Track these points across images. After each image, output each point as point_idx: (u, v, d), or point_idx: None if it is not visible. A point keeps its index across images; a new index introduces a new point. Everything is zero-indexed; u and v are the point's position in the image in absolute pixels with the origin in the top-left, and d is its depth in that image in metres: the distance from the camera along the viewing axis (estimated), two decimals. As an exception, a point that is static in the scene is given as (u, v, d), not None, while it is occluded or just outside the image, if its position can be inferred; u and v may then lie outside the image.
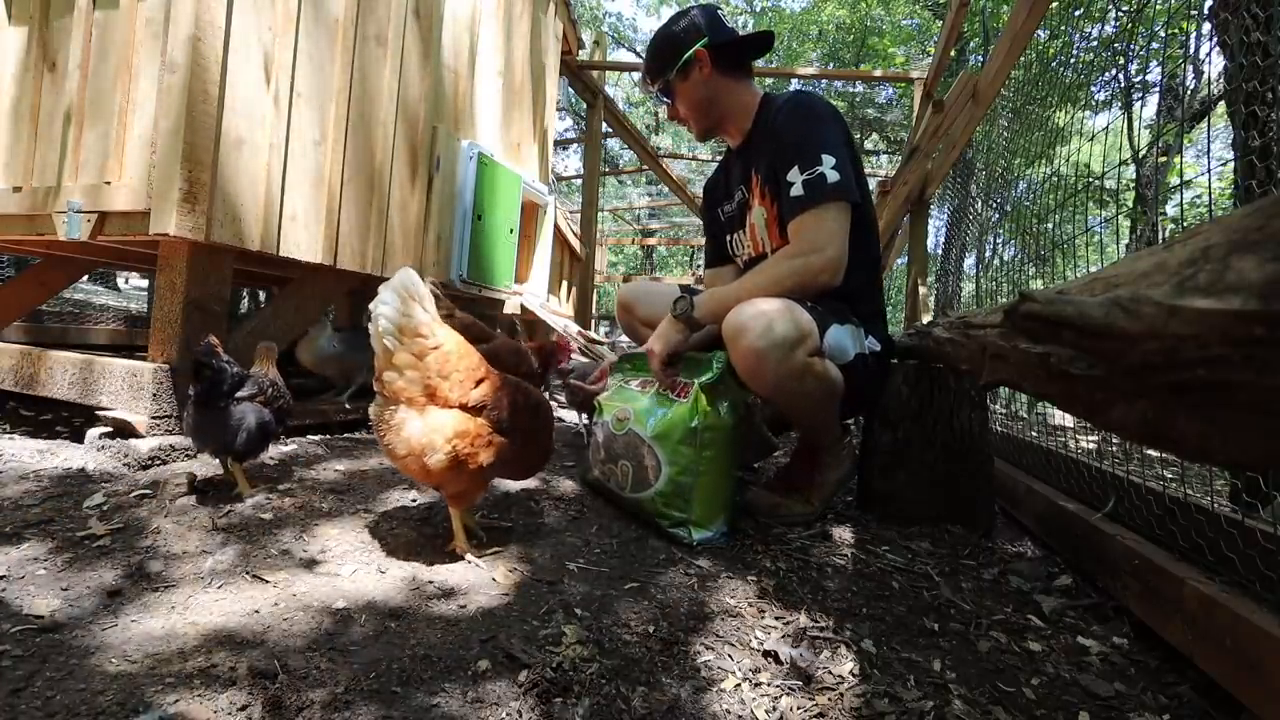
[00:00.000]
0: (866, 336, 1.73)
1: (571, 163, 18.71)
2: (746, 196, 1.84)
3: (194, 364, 1.34)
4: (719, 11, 1.82)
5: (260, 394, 1.41)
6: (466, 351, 1.21)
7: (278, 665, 0.85)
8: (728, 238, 1.97)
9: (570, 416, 2.80)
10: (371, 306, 1.12)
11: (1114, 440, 2.21)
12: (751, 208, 1.81)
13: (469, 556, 1.24)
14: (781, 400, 1.65)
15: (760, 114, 1.79)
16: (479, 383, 1.20)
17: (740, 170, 1.85)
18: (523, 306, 3.38)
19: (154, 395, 1.61)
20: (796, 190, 1.62)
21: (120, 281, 10.56)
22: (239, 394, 1.37)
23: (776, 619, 1.15)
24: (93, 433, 1.63)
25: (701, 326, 1.65)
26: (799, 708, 0.90)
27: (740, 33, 1.80)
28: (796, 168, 1.62)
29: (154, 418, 1.61)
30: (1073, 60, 2.34)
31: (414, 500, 1.51)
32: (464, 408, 1.17)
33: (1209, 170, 1.41)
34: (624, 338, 4.14)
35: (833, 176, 1.58)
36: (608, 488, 1.62)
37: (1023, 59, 2.56)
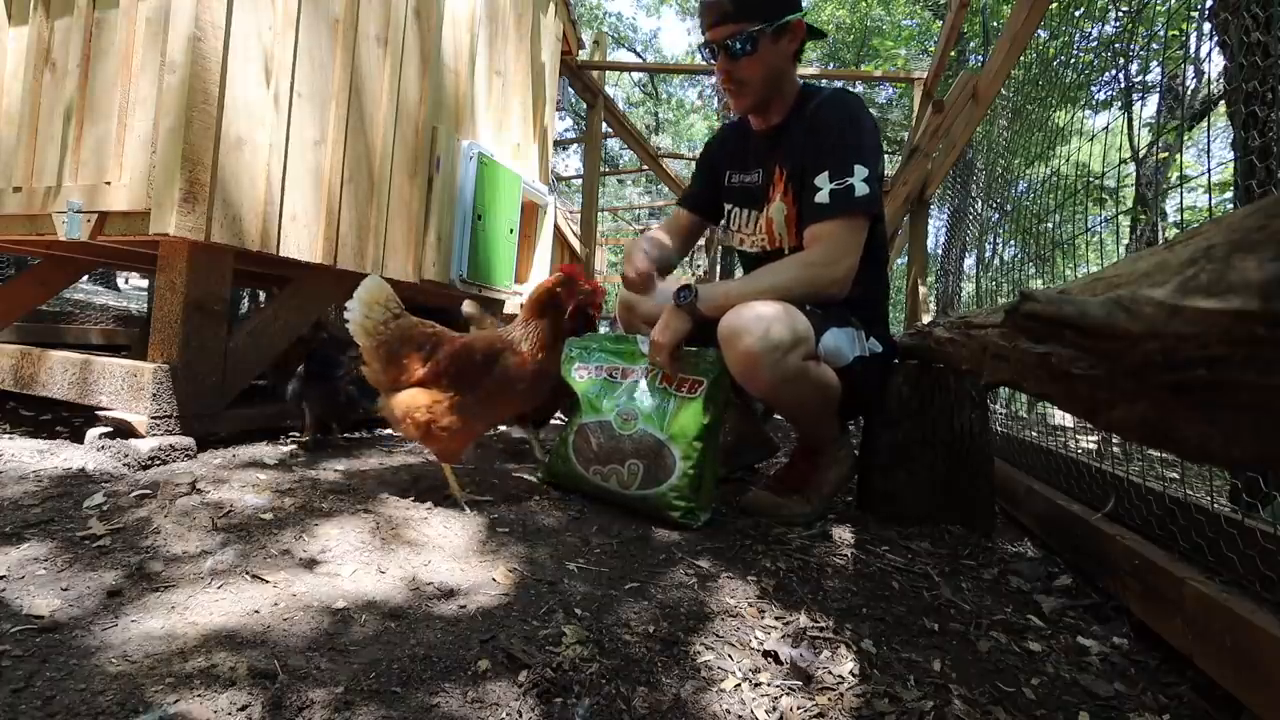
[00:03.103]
0: (868, 339, 1.72)
1: (571, 163, 18.73)
2: (763, 183, 1.79)
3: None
4: None
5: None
6: (407, 339, 1.45)
7: (278, 665, 0.85)
8: (728, 208, 1.91)
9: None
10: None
11: (1114, 440, 2.21)
12: (771, 201, 1.76)
13: (462, 500, 1.48)
14: (777, 402, 1.65)
15: (798, 105, 1.72)
16: (427, 360, 1.44)
17: (765, 154, 1.78)
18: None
19: (154, 395, 1.61)
20: (822, 197, 1.59)
21: (120, 281, 10.56)
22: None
23: (776, 619, 1.15)
24: (93, 433, 1.63)
25: (704, 319, 1.61)
26: (799, 708, 0.90)
27: None
28: (827, 173, 1.58)
29: (154, 418, 1.61)
30: (1073, 60, 2.34)
31: (414, 500, 1.51)
32: (421, 384, 1.43)
33: (1209, 170, 1.41)
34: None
35: (861, 189, 1.56)
36: (604, 488, 1.62)
37: (1023, 59, 2.56)
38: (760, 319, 1.47)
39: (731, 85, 1.67)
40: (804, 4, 1.73)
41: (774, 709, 0.89)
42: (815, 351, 1.56)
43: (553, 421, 2.55)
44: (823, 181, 1.59)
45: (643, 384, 1.66)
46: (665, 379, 1.64)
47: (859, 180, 1.56)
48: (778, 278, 1.60)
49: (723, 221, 1.96)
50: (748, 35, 1.58)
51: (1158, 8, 2.18)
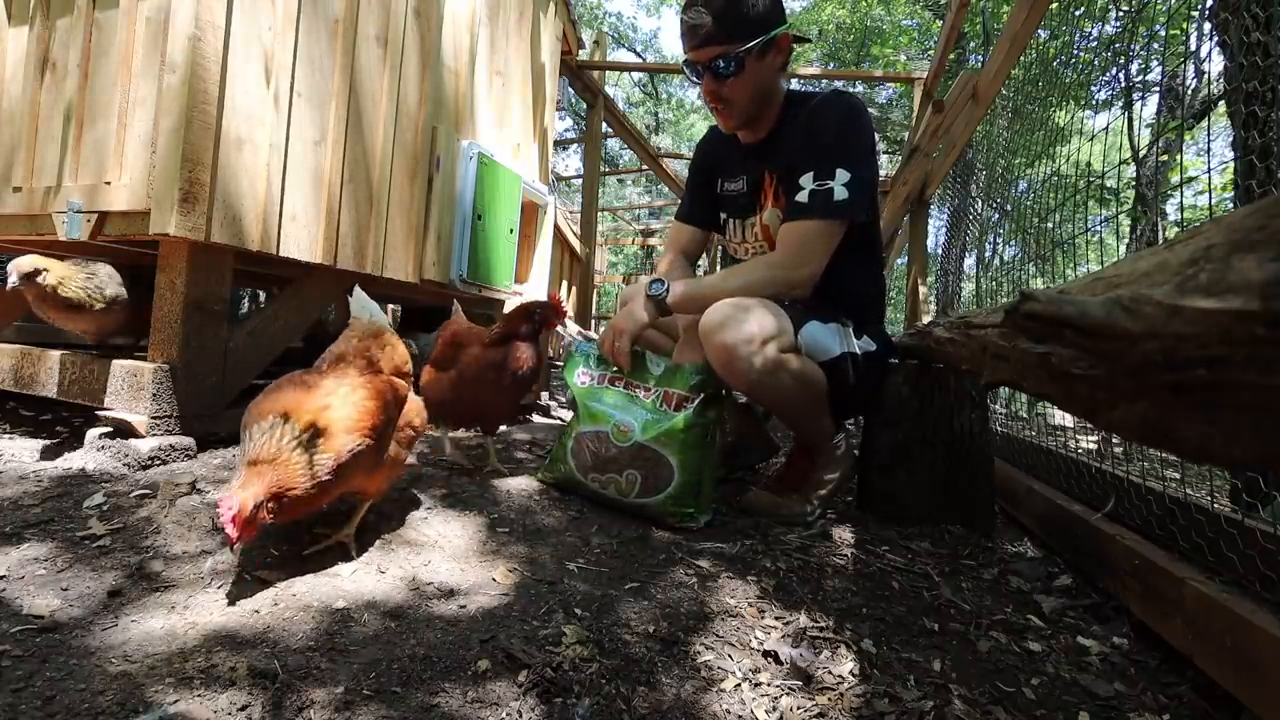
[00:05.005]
0: (861, 337, 1.72)
1: (571, 163, 18.71)
2: (749, 190, 1.80)
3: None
4: None
5: None
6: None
7: (278, 665, 0.85)
8: (724, 217, 1.92)
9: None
10: None
11: (1114, 440, 2.21)
12: (764, 208, 1.77)
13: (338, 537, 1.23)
14: (760, 396, 1.66)
15: (785, 113, 1.72)
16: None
17: (753, 164, 1.79)
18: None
19: (154, 395, 1.61)
20: (802, 197, 1.59)
21: (120, 281, 10.53)
22: None
23: (776, 619, 1.15)
24: (93, 433, 1.63)
25: (669, 313, 1.68)
26: (799, 708, 0.90)
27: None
28: (811, 174, 1.59)
29: (154, 418, 1.61)
30: (1073, 60, 2.34)
31: (413, 501, 1.51)
32: None
33: (1209, 170, 1.41)
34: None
35: (840, 194, 1.55)
36: (604, 495, 1.62)
37: (1023, 59, 2.56)
38: (736, 313, 1.51)
39: (718, 104, 1.65)
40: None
41: (774, 709, 0.89)
42: (795, 344, 1.57)
43: (541, 420, 2.55)
44: (806, 181, 1.59)
45: (641, 394, 1.66)
46: (666, 398, 1.64)
47: (839, 185, 1.55)
48: (749, 278, 1.63)
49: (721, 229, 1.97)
50: (733, 57, 1.55)
51: (1158, 7, 2.18)
